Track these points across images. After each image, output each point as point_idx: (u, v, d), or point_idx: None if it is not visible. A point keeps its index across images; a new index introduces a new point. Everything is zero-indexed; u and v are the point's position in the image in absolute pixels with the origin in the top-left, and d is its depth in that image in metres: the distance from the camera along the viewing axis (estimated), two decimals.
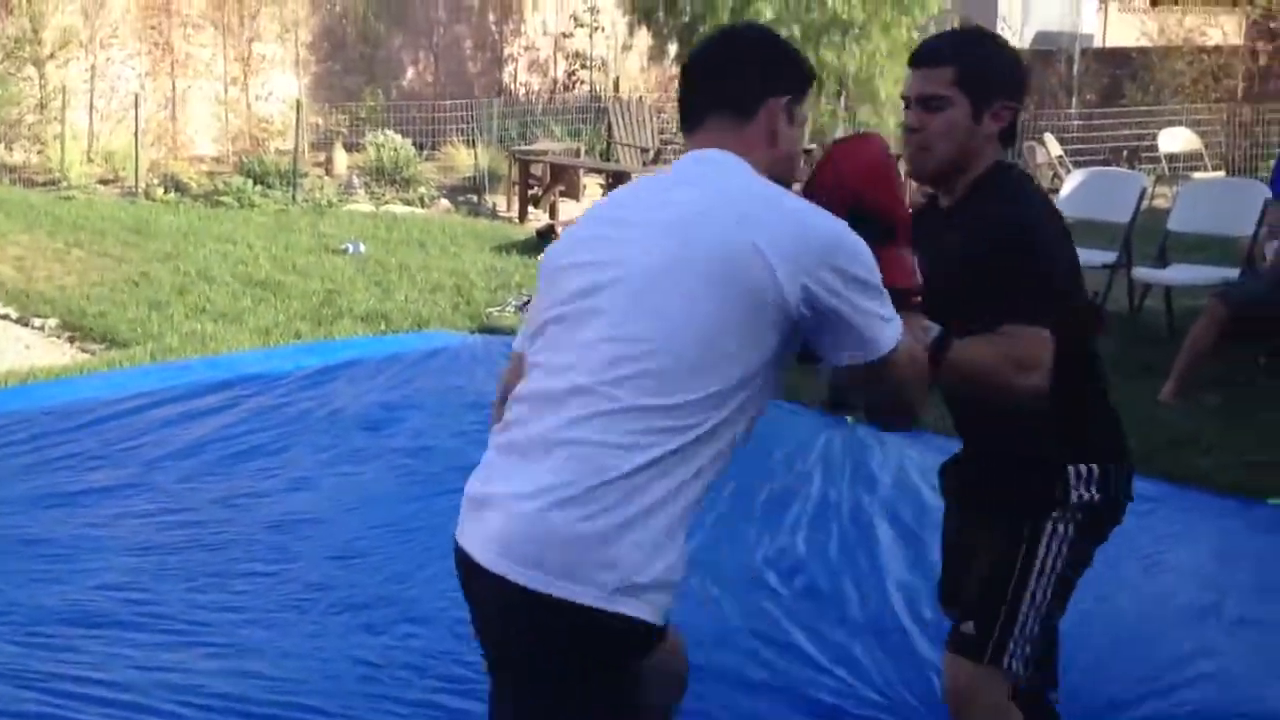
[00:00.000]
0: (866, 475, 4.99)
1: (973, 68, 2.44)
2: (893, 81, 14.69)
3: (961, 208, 2.51)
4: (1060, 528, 2.48)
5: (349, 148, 15.09)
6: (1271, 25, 16.81)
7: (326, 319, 7.57)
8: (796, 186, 2.15)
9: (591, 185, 13.09)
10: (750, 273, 1.87)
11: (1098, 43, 24.45)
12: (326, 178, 14.02)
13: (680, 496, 1.87)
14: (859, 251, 1.92)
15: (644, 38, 16.53)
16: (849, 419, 5.43)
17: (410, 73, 18.03)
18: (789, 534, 4.41)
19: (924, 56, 2.50)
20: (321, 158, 15.10)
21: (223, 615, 3.75)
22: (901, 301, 2.03)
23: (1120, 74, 16.54)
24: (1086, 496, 2.47)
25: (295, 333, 7.26)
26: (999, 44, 2.57)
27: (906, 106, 2.50)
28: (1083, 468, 2.47)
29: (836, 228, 1.93)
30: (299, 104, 13.99)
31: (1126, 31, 23.61)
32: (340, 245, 10.00)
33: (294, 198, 12.52)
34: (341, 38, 17.15)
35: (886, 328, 1.93)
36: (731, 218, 1.92)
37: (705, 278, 1.88)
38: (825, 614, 3.81)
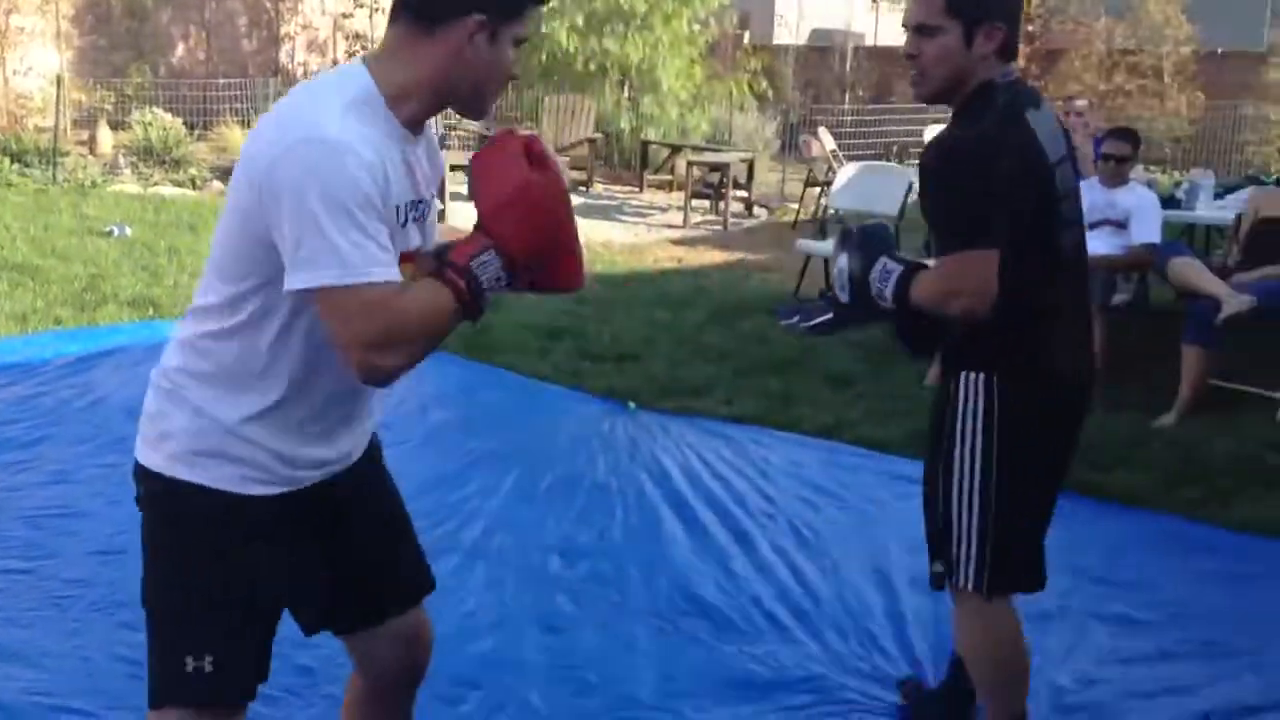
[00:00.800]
0: (649, 461, 5.05)
1: None
2: (674, 73, 14.91)
3: (948, 126, 2.67)
4: (969, 440, 2.66)
5: (115, 126, 14.45)
6: (1029, 28, 17.71)
7: (90, 304, 7.23)
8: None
9: None
10: (239, 190, 1.94)
11: (870, 41, 25.32)
12: (90, 157, 13.39)
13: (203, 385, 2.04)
14: (318, 184, 1.83)
15: None
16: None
17: (180, 49, 17.35)
18: (573, 520, 4.44)
19: None
20: (85, 136, 14.41)
21: None
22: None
23: (890, 71, 17.16)
24: (974, 404, 2.65)
25: (55, 319, 6.90)
26: None
27: (907, 33, 2.63)
28: (972, 375, 2.65)
29: (297, 156, 1.85)
30: (60, 80, 13.31)
31: (897, 30, 24.54)
32: (105, 228, 9.56)
33: (54, 178, 11.93)
34: (106, 11, 16.38)
35: (307, 260, 1.85)
36: (255, 134, 1.97)
37: (232, 192, 1.96)
38: (608, 599, 3.85)
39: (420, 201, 2.05)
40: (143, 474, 2.09)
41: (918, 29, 2.59)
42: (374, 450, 2.32)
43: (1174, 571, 4.16)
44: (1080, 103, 7.70)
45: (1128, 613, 3.83)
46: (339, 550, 2.23)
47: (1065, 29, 17.59)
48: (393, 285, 1.87)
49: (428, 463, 4.82)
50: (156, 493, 2.08)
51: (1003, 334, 2.58)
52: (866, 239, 2.71)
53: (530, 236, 1.95)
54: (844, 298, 2.72)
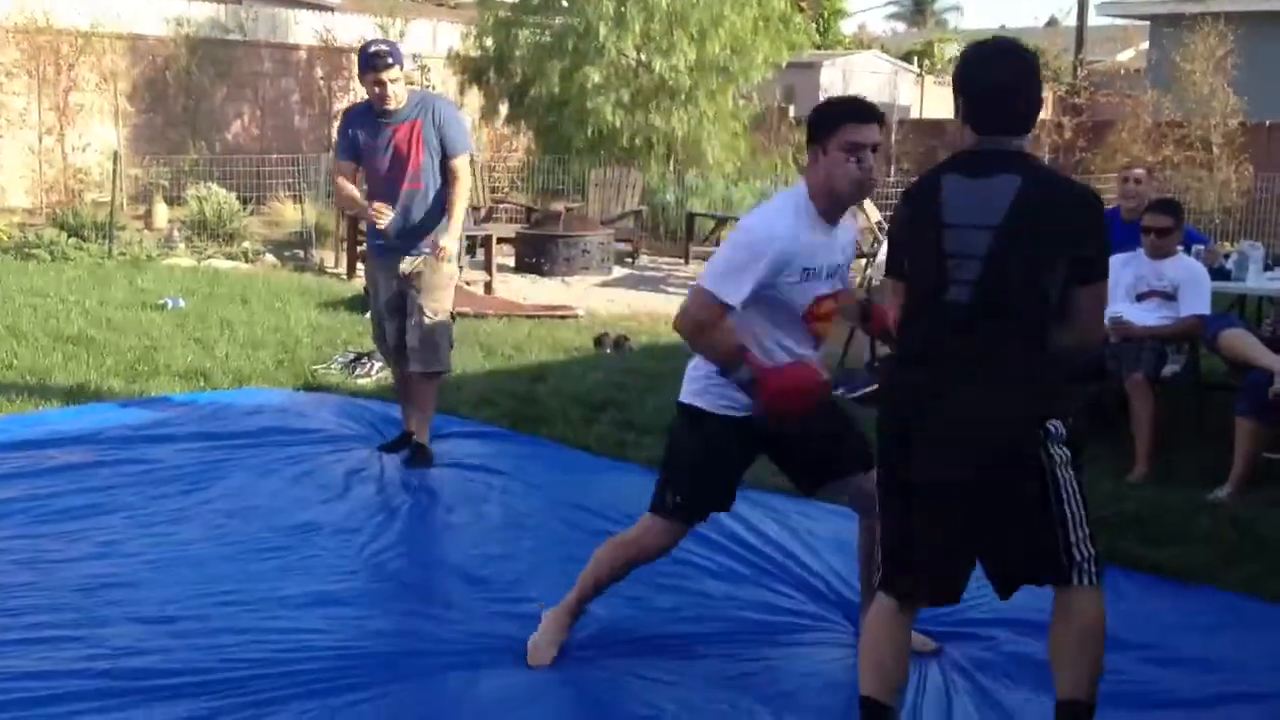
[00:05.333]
0: (693, 532, 5.01)
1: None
2: (719, 146, 15.04)
3: None
4: None
5: (170, 201, 14.73)
6: (1075, 101, 17.72)
7: (143, 375, 7.33)
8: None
9: None
10: None
11: (915, 114, 25.41)
12: (146, 231, 13.64)
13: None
14: (734, 238, 3.62)
15: (475, 98, 16.58)
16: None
17: (236, 126, 17.72)
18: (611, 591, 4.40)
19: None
20: (141, 210, 14.69)
21: (23, 684, 3.56)
22: None
23: (935, 144, 17.21)
24: None
25: (109, 390, 7.00)
26: None
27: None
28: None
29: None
30: (116, 155, 13.61)
31: (941, 104, 24.65)
32: (159, 300, 9.72)
33: (110, 251, 12.14)
34: (163, 89, 16.77)
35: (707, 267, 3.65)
36: None
37: None
38: (649, 669, 3.81)
39: (838, 265, 3.63)
40: (678, 405, 3.78)
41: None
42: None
43: (1232, 649, 4.07)
44: (1138, 171, 7.61)
45: (1185, 693, 3.75)
46: (791, 443, 3.75)
47: (1112, 101, 17.58)
48: (722, 305, 3.44)
49: (479, 528, 4.81)
50: (679, 411, 3.76)
51: (890, 363, 3.37)
52: None
53: (769, 394, 3.51)
54: None
